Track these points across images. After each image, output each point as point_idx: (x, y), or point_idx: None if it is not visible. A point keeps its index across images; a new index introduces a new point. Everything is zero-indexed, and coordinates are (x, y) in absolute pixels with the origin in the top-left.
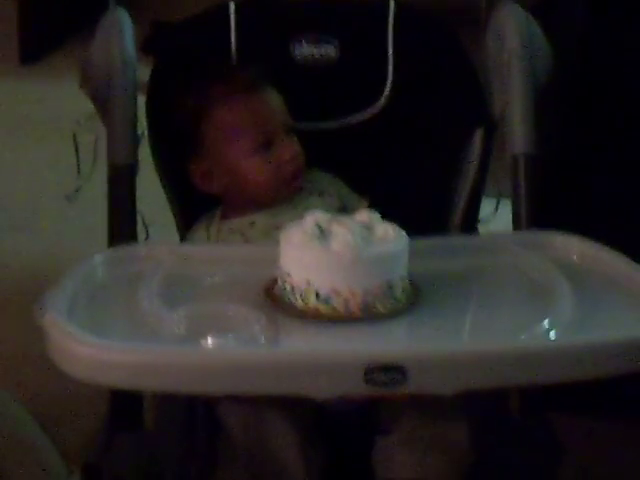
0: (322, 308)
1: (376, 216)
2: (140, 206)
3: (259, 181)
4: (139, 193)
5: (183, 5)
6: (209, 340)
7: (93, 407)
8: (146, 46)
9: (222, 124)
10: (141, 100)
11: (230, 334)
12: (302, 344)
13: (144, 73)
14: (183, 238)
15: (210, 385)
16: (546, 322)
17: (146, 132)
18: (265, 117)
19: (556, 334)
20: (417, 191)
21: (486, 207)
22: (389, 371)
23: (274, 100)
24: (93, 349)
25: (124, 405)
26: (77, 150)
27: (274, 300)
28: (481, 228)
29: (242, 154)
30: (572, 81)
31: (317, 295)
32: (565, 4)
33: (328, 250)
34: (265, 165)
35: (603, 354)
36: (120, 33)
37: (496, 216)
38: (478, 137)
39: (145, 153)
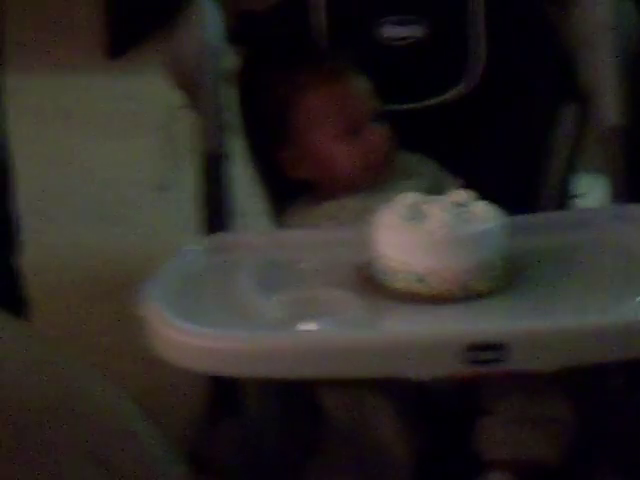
0: (419, 289)
1: (471, 195)
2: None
3: (346, 168)
4: (232, 183)
5: None
6: (308, 325)
7: (195, 395)
8: (233, 37)
9: (308, 112)
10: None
11: (328, 318)
12: (401, 325)
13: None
14: (276, 224)
15: (310, 370)
16: None
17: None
18: (351, 104)
19: None
20: (510, 169)
21: (581, 183)
22: (490, 349)
23: (361, 87)
24: (194, 337)
25: (225, 391)
26: (169, 142)
27: (370, 282)
28: (576, 205)
29: (329, 142)
30: None
31: (414, 276)
32: None
33: (423, 230)
34: (352, 152)
35: None
36: (207, 23)
37: (591, 192)
38: (570, 113)
39: (238, 143)
